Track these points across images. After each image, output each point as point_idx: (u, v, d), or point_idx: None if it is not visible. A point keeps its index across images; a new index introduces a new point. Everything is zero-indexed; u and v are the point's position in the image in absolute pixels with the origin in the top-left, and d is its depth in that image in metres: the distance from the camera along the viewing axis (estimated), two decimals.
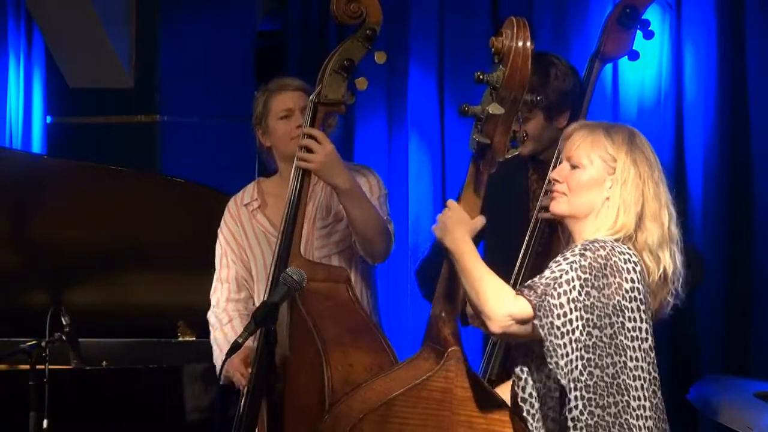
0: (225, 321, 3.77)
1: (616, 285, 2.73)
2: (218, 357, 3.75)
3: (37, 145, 6.19)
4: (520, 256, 3.47)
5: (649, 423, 2.75)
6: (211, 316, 3.81)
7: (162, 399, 4.35)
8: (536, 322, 2.68)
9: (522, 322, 2.70)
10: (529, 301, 2.69)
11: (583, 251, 2.74)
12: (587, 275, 2.71)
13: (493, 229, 3.31)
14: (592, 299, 2.71)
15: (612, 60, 3.82)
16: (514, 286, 2.80)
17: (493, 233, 3.46)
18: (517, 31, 2.76)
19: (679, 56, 4.86)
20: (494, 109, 2.77)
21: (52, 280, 4.70)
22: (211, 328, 3.81)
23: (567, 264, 2.73)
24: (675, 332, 4.70)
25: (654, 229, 2.83)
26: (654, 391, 2.77)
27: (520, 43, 2.76)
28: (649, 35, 3.75)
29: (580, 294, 2.70)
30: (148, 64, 5.86)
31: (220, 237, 3.83)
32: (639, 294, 2.76)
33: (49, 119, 6.14)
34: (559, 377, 2.70)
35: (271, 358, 3.18)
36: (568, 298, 2.69)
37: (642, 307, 2.76)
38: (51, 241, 4.68)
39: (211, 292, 3.83)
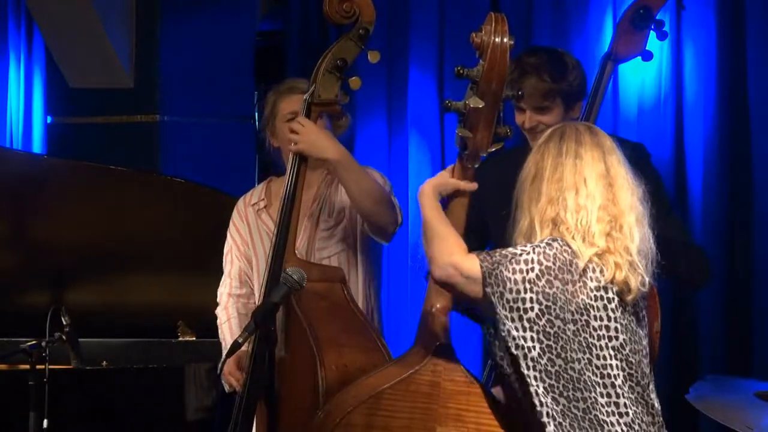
0: (224, 319, 3.80)
1: (581, 283, 2.75)
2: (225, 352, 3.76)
3: (37, 145, 6.19)
4: None
5: (627, 419, 2.74)
6: (217, 312, 3.84)
7: (162, 399, 4.35)
8: (488, 289, 2.71)
9: (466, 276, 2.73)
10: (481, 263, 2.72)
11: (550, 242, 2.77)
12: (550, 263, 2.73)
13: (502, 219, 3.32)
14: (554, 289, 2.72)
15: (625, 60, 3.83)
16: None
17: (502, 223, 3.46)
18: (495, 26, 2.80)
19: (679, 56, 4.86)
20: (475, 102, 2.81)
21: (52, 280, 4.70)
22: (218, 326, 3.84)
23: (530, 247, 2.76)
24: (675, 332, 4.70)
25: None
26: (632, 387, 2.77)
27: (498, 39, 2.80)
28: (663, 36, 3.75)
29: (539, 278, 2.72)
30: (148, 64, 5.86)
31: (228, 235, 3.85)
32: (606, 293, 2.76)
33: (49, 119, 6.14)
34: (509, 345, 2.72)
35: (271, 358, 3.19)
36: (524, 278, 2.71)
37: (610, 306, 2.76)
38: (51, 241, 4.68)
39: (219, 287, 3.86)
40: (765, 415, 3.48)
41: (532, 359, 2.71)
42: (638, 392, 2.78)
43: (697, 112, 4.82)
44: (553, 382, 2.71)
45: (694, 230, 4.73)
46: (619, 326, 2.77)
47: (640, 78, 4.92)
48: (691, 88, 4.84)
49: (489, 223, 3.70)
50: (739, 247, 4.78)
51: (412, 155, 5.46)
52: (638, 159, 3.43)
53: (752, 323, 4.73)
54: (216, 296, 3.87)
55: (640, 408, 2.77)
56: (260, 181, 4.06)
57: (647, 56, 3.77)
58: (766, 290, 4.70)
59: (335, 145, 3.53)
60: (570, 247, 2.76)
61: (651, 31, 3.75)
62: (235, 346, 3.07)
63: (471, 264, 2.74)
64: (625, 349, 2.77)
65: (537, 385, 2.71)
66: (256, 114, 5.95)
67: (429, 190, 2.93)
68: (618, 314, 2.77)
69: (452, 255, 2.76)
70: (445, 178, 2.97)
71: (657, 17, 3.76)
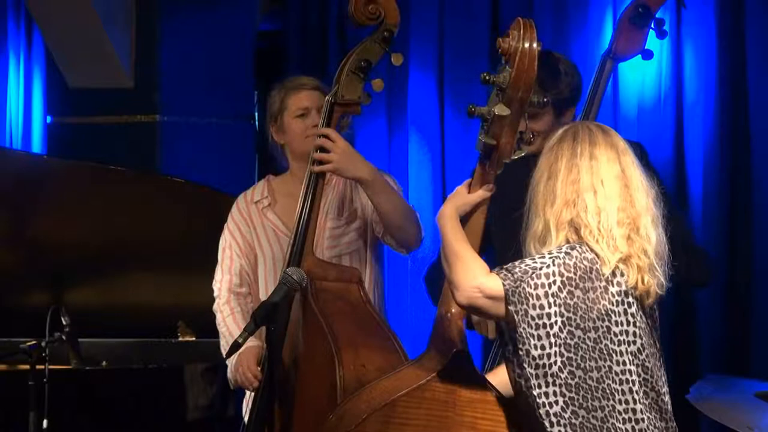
0: (227, 313, 3.75)
1: (602, 289, 2.72)
2: (225, 348, 3.74)
3: (37, 145, 6.19)
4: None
5: (642, 425, 2.72)
6: (215, 308, 3.80)
7: (162, 399, 4.35)
8: (510, 308, 2.66)
9: (490, 297, 2.68)
10: (503, 282, 2.67)
11: (569, 250, 2.73)
12: (571, 274, 2.69)
13: (499, 227, 3.31)
14: (575, 299, 2.69)
15: (624, 59, 3.82)
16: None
17: (499, 230, 3.45)
18: (523, 32, 2.74)
19: (679, 56, 4.86)
20: (500, 110, 2.75)
21: (52, 280, 4.70)
22: (217, 321, 3.80)
23: (550, 258, 2.71)
24: (675, 332, 4.70)
25: None
26: (646, 392, 2.75)
27: (527, 44, 2.74)
28: (662, 35, 3.74)
29: (560, 290, 2.68)
30: (148, 64, 5.86)
31: (226, 231, 3.83)
32: (627, 297, 2.74)
33: (49, 119, 6.14)
34: (524, 364, 2.67)
35: (273, 358, 3.18)
36: (546, 292, 2.67)
37: (630, 310, 2.74)
38: (51, 241, 4.68)
39: (214, 282, 3.82)
40: (765, 415, 3.48)
41: (552, 375, 2.67)
42: (652, 397, 2.76)
43: (697, 112, 4.82)
44: (573, 395, 2.68)
45: (694, 230, 4.73)
46: (637, 330, 2.74)
47: (640, 77, 4.92)
48: (691, 88, 4.84)
49: (491, 225, 3.70)
50: (739, 247, 4.77)
51: (412, 155, 5.46)
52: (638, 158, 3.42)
53: (752, 323, 4.73)
54: None
55: (653, 414, 2.76)
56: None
57: (647, 55, 3.77)
58: (766, 290, 4.70)
59: (367, 164, 3.52)
60: (592, 253, 2.72)
61: (651, 30, 3.74)
62: (235, 346, 3.06)
63: (493, 284, 2.68)
64: (642, 354, 2.74)
65: (556, 400, 2.67)
66: (256, 114, 5.95)
67: (450, 212, 2.84)
68: (637, 318, 2.74)
69: (475, 278, 2.70)
70: (464, 197, 2.88)
71: (657, 16, 3.75)
